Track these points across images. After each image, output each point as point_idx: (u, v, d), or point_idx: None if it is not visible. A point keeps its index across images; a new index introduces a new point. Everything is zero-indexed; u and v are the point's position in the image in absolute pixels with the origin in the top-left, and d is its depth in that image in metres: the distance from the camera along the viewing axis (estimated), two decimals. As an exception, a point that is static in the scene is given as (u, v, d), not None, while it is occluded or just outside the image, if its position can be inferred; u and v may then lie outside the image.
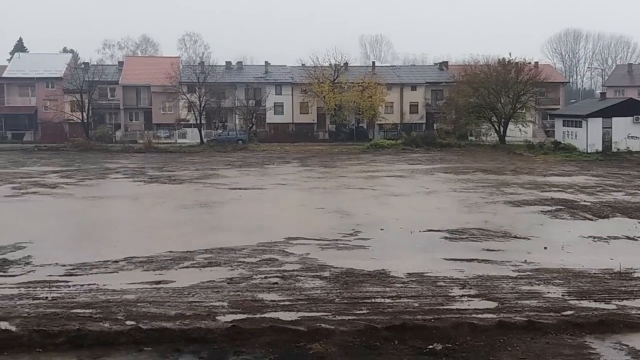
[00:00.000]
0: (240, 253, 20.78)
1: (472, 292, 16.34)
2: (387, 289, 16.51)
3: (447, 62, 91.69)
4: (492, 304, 15.27)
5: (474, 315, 14.29)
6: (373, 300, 15.56)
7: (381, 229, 25.06)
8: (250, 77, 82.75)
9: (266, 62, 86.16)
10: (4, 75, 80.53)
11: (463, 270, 18.46)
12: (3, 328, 13.08)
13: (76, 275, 17.91)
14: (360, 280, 17.44)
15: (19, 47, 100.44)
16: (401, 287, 16.78)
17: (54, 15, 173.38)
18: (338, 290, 16.46)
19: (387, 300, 15.53)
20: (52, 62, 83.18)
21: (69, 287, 16.55)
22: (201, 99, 73.35)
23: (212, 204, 32.91)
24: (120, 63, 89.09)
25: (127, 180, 43.16)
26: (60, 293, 15.90)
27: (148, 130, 77.09)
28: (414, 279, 17.58)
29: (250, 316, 14.21)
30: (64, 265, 18.93)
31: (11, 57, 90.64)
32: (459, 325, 13.46)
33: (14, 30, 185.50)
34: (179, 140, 75.03)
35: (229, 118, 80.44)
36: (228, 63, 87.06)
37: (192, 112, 74.07)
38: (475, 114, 72.07)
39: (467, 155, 59.83)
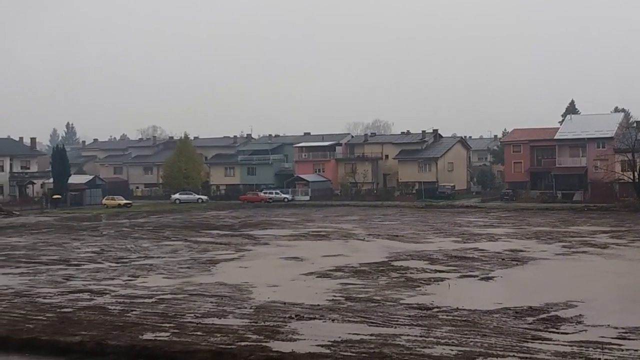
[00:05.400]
0: None
1: None
2: None
3: None
4: None
5: None
6: None
7: None
8: None
9: None
10: (556, 137, 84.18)
11: None
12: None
13: (629, 339, 17.35)
14: None
15: (571, 110, 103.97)
16: None
17: (604, 78, 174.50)
18: None
19: None
20: (602, 123, 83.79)
21: (622, 350, 16.11)
22: None
23: None
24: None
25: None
26: (613, 356, 15.60)
27: None
28: None
29: None
30: (616, 328, 18.55)
31: (563, 120, 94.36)
32: None
33: (566, 93, 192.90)
34: None
35: None
36: None
37: None
38: None
39: None
